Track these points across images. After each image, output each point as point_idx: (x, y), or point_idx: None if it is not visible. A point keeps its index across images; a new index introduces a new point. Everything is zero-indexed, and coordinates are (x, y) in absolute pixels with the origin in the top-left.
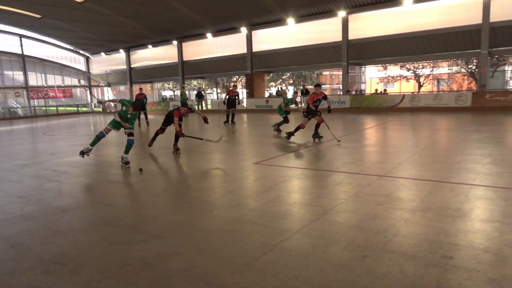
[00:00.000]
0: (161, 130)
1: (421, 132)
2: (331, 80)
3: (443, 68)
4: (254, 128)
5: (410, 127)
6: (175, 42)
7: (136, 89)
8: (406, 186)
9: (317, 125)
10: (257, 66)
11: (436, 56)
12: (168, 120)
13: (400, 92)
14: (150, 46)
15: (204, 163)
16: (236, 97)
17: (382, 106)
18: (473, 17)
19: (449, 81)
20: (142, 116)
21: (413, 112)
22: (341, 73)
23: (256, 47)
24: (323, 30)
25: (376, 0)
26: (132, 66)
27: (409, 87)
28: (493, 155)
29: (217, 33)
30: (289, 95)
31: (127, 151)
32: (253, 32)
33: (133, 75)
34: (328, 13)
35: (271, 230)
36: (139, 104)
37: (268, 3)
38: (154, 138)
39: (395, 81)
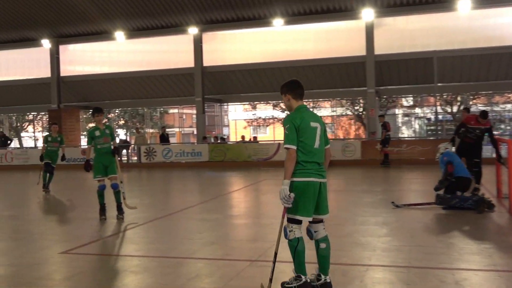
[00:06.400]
0: None
1: None
2: (181, 121)
3: (326, 109)
4: (69, 194)
5: None
6: None
7: None
8: (287, 273)
9: None
10: (69, 98)
11: (316, 94)
12: None
13: (274, 140)
14: None
15: None
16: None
17: (252, 159)
18: (356, 46)
19: (333, 126)
20: None
21: None
22: (195, 112)
23: (67, 70)
24: (167, 51)
25: (237, 16)
26: None
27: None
28: (389, 223)
29: (1, 45)
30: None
31: None
32: (62, 47)
33: None
34: (173, 28)
35: None
36: None
37: (81, 5)
38: None
39: (267, 125)
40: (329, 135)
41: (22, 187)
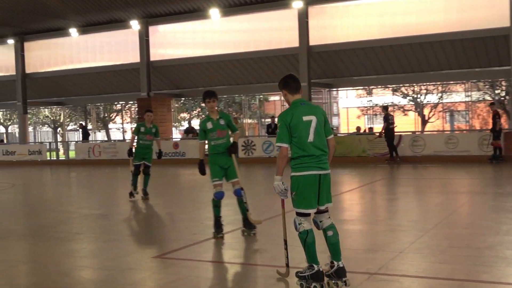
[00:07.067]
0: None
1: (429, 198)
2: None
3: (458, 94)
4: (161, 193)
5: (413, 188)
6: (11, 41)
7: None
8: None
9: None
10: (159, 85)
11: (447, 76)
12: None
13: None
14: None
15: (65, 258)
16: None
17: (367, 155)
18: (498, 16)
19: (467, 115)
20: None
21: (415, 163)
22: None
23: (157, 53)
24: (268, 29)
25: None
26: None
27: (408, 123)
28: None
29: (87, 27)
30: None
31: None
32: (151, 29)
33: None
34: (275, 2)
35: None
36: None
37: None
38: None
39: None
40: (462, 125)
41: (111, 184)
